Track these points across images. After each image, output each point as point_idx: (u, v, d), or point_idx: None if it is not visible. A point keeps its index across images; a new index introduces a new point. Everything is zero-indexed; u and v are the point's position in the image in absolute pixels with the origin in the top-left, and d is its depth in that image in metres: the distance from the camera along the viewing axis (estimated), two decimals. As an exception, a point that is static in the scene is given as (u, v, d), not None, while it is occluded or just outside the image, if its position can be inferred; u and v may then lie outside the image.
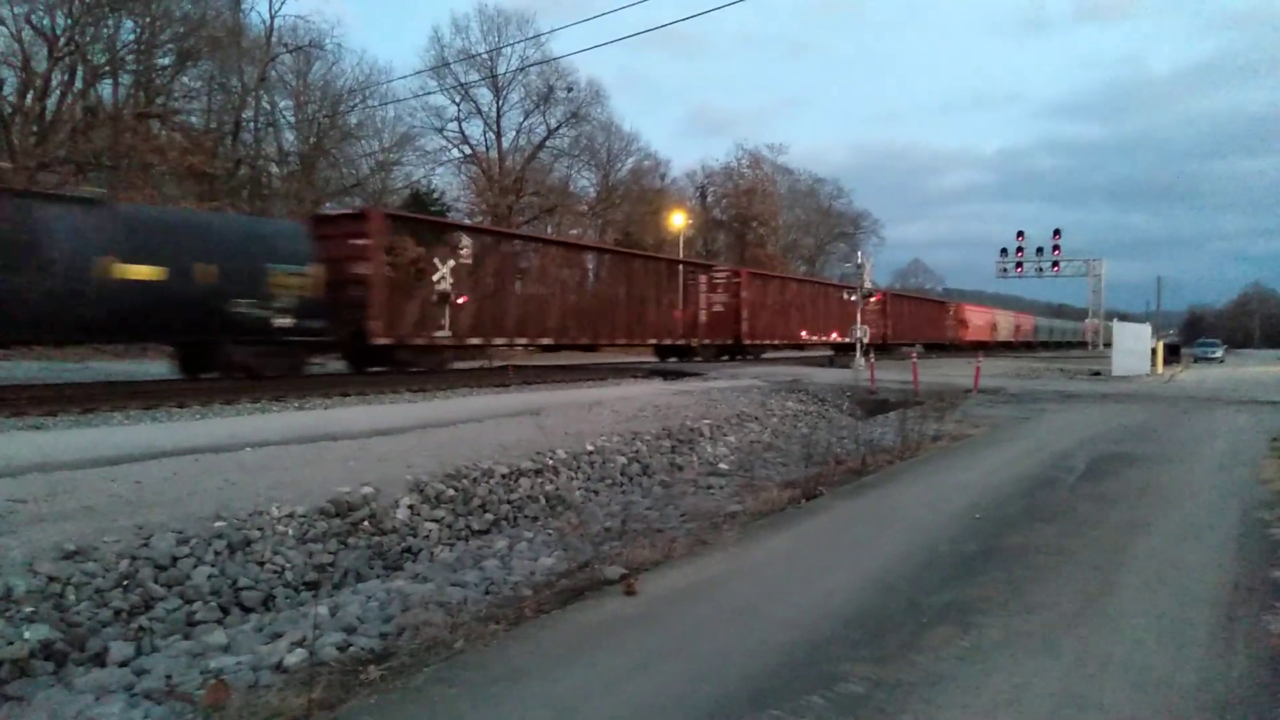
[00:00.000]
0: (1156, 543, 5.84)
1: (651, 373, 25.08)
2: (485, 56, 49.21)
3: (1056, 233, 61.64)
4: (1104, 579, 4.93)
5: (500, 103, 51.36)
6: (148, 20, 34.40)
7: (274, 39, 41.87)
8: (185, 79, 37.63)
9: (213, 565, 5.64)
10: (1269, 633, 4.07)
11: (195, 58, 36.41)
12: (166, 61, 36.37)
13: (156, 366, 21.60)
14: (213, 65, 37.42)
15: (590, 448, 10.28)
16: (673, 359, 31.43)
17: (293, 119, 43.48)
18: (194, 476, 7.07)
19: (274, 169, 42.37)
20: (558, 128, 53.24)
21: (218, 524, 5.97)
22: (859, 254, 33.99)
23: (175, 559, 5.52)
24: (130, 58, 34.76)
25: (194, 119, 38.41)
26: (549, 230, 48.66)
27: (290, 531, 6.27)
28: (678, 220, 51.71)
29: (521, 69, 49.78)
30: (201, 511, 6.11)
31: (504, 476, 8.54)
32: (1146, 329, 31.21)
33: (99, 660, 4.59)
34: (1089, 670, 3.62)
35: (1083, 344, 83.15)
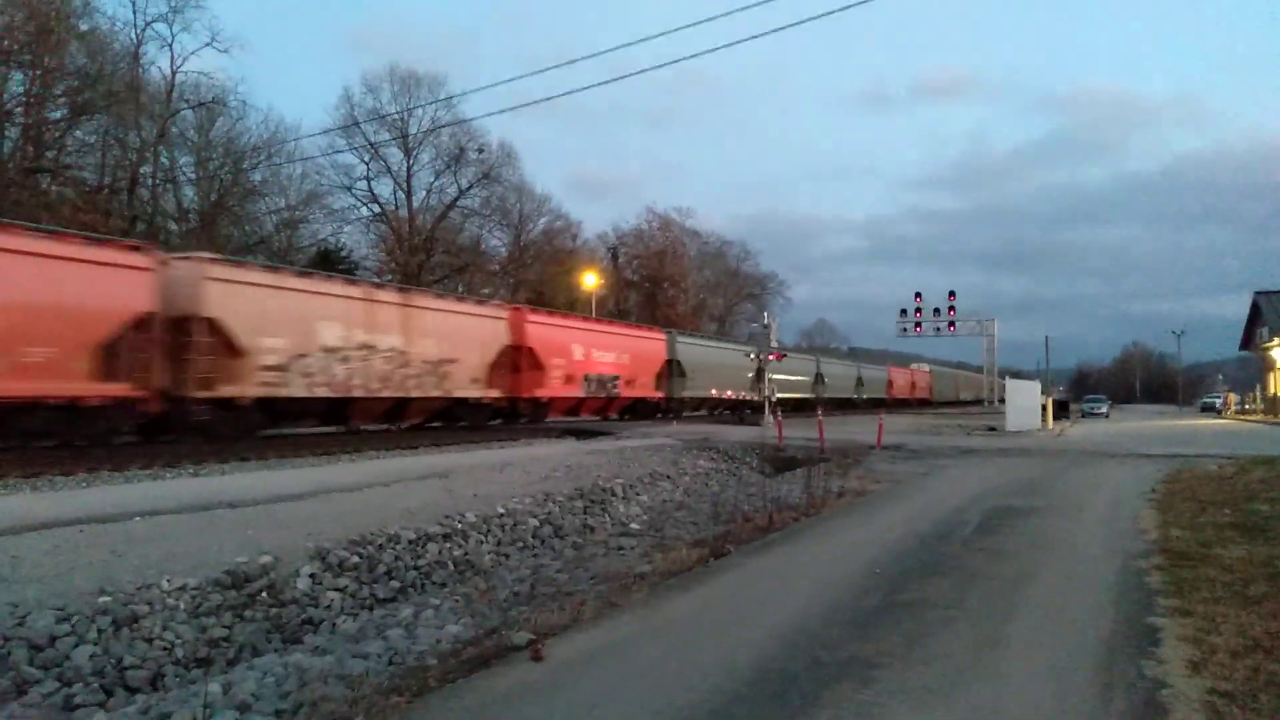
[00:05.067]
0: (1043, 593, 6.12)
1: (564, 432, 25.01)
2: (396, 116, 49.28)
3: (951, 294, 64.25)
4: (994, 630, 5.14)
5: (411, 162, 51.40)
6: (38, 73, 33.27)
7: (175, 94, 41.04)
8: (79, 133, 36.39)
9: (95, 644, 5.37)
10: (1145, 677, 4.30)
11: (90, 112, 35.26)
12: (58, 115, 35.14)
13: None
14: (109, 120, 36.29)
15: (501, 510, 10.18)
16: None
17: (193, 175, 42.46)
18: (77, 549, 6.72)
19: (173, 226, 41.09)
20: (469, 188, 53.56)
21: (102, 599, 5.69)
22: (765, 314, 34.42)
23: (54, 638, 5.24)
24: (19, 110, 33.48)
25: (87, 174, 37.07)
26: (459, 290, 48.31)
27: (182, 605, 6.02)
28: (589, 280, 52.19)
29: (433, 130, 49.99)
30: (85, 586, 5.82)
31: (410, 542, 8.38)
32: (1036, 386, 32.86)
33: (-36, 751, 4.30)
34: (979, 719, 3.77)
35: (862, 403, 58.97)
